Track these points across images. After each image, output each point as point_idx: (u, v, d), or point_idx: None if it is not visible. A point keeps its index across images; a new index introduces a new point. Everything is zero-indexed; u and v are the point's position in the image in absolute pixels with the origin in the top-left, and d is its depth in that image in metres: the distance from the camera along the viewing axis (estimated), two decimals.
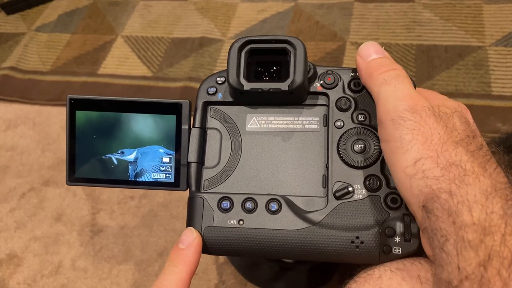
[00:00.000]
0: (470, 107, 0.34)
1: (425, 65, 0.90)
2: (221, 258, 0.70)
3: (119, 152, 0.38)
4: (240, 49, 0.36)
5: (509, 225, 0.24)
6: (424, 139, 0.28)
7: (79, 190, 0.82)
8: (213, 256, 0.70)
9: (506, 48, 0.90)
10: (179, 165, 0.37)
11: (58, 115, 0.96)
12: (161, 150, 0.37)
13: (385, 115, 0.30)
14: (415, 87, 0.35)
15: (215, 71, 0.41)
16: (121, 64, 1.04)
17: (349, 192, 0.34)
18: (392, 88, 0.31)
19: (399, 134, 0.29)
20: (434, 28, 0.96)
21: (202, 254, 0.34)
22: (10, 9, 1.22)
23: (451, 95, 0.83)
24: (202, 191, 0.36)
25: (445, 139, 0.28)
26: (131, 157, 0.38)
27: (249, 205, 0.35)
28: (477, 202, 0.25)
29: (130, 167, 0.38)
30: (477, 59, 0.89)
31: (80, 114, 0.38)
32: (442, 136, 0.28)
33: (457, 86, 0.86)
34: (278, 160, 0.36)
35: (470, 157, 0.27)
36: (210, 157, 0.37)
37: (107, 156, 0.38)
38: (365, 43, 0.35)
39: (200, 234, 0.34)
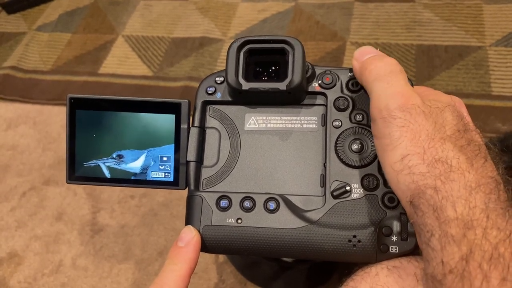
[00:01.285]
0: (470, 107, 0.35)
1: (425, 65, 0.90)
2: (221, 258, 0.71)
3: (114, 156, 0.38)
4: (239, 49, 0.36)
5: (490, 218, 0.25)
6: (412, 136, 0.29)
7: (80, 189, 0.82)
8: (213, 255, 0.71)
9: (506, 48, 0.90)
10: (178, 164, 0.37)
11: (58, 115, 0.97)
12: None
13: (377, 113, 0.31)
14: (412, 85, 0.36)
15: (215, 71, 0.41)
16: (122, 64, 1.04)
17: (346, 191, 0.34)
18: (384, 85, 0.31)
19: (388, 131, 0.30)
20: (435, 28, 0.96)
21: (201, 253, 0.35)
22: (11, 9, 1.23)
23: (451, 94, 0.83)
24: (201, 190, 0.36)
25: (433, 135, 0.29)
26: (135, 165, 0.38)
27: (247, 204, 0.35)
28: (461, 197, 0.26)
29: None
30: (477, 59, 0.89)
31: (80, 113, 0.38)
32: (430, 133, 0.29)
33: (457, 86, 0.86)
34: (277, 159, 0.36)
35: (457, 152, 0.28)
36: (209, 156, 0.37)
37: (94, 163, 0.38)
38: (360, 47, 0.36)
39: (199, 232, 0.35)
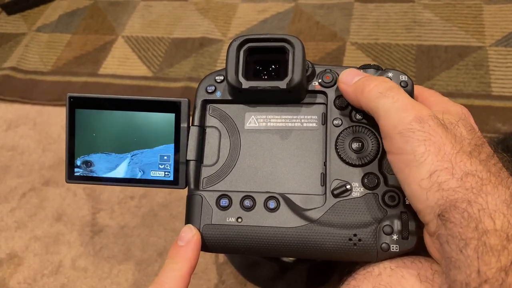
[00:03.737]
0: (470, 107, 0.34)
1: (425, 66, 0.90)
2: (221, 258, 0.70)
3: (78, 164, 0.38)
4: (239, 47, 0.36)
5: None
6: (437, 150, 0.27)
7: (80, 190, 0.82)
8: (213, 256, 0.71)
9: (506, 48, 0.90)
10: (178, 163, 0.37)
11: (58, 115, 0.97)
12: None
13: (391, 129, 0.29)
14: (413, 87, 0.35)
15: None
16: (122, 64, 1.04)
17: (347, 190, 0.34)
18: (390, 100, 0.30)
19: (410, 147, 0.28)
20: (434, 28, 0.96)
21: (201, 254, 0.34)
22: (11, 10, 1.23)
23: (451, 95, 0.83)
24: (201, 189, 0.36)
25: (458, 148, 0.28)
26: (116, 174, 0.38)
27: (247, 203, 0.35)
28: (498, 210, 0.25)
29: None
30: (477, 59, 0.89)
31: (79, 112, 0.38)
32: (454, 146, 0.28)
33: (457, 86, 0.86)
34: (277, 158, 0.36)
35: (485, 166, 0.27)
36: (209, 155, 0.37)
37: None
38: (343, 71, 0.35)
39: (199, 231, 0.34)
